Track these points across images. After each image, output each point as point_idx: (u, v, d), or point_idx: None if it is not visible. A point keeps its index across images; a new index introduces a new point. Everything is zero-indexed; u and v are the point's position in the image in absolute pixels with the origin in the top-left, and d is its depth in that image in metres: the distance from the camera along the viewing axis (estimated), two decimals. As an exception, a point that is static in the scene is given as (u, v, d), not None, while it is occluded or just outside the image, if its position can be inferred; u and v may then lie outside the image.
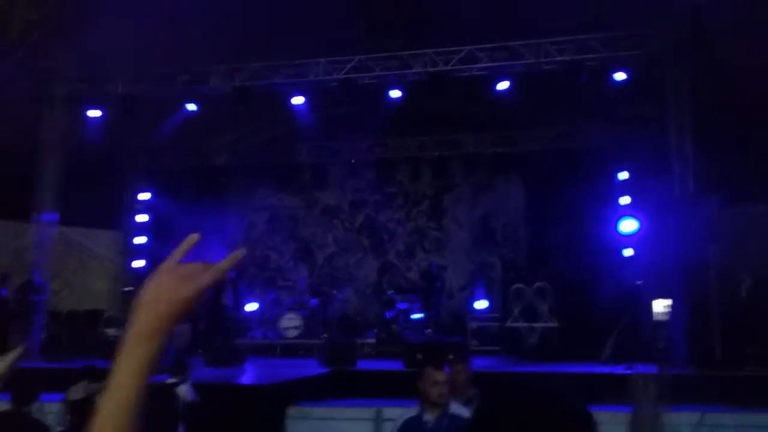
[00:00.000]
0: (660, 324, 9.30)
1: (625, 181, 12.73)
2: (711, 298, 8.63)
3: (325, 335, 11.89)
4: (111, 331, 12.13)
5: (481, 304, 13.26)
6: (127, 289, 13.62)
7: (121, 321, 12.74)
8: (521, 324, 10.76)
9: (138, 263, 14.09)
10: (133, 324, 1.09)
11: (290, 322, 12.11)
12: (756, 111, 9.44)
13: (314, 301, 12.73)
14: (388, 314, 12.32)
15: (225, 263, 1.16)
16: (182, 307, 1.11)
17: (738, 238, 10.07)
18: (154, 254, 13.99)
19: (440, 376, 4.30)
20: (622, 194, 12.61)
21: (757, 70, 8.83)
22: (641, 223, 11.24)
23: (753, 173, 9.76)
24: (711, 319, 8.54)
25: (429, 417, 4.23)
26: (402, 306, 12.37)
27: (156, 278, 1.12)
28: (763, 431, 6.80)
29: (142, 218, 14.53)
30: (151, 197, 14.63)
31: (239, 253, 1.19)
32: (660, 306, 9.47)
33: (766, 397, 7.29)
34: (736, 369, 8.16)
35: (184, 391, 6.80)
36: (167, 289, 1.11)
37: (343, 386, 8.52)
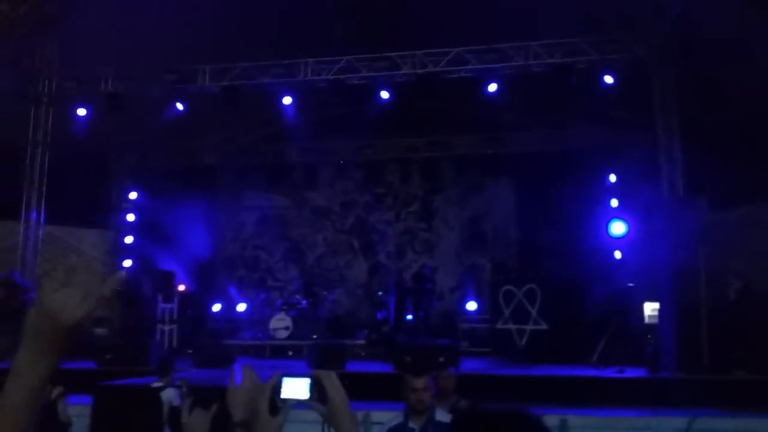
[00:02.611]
0: (650, 327, 9.30)
1: (614, 183, 12.74)
2: (700, 301, 8.62)
3: (315, 336, 11.85)
4: (99, 331, 12.05)
5: (471, 306, 13.25)
6: (116, 288, 13.51)
7: (109, 321, 12.66)
8: (511, 326, 10.75)
9: (126, 262, 13.99)
10: (22, 346, 1.08)
11: (280, 323, 12.04)
12: (743, 113, 9.45)
13: (304, 302, 12.68)
14: (379, 315, 12.28)
15: (105, 288, 1.15)
16: (67, 332, 1.09)
17: (726, 240, 10.08)
18: (142, 254, 13.90)
19: (419, 383, 4.23)
20: (612, 196, 12.62)
21: (743, 73, 8.85)
22: (630, 226, 11.25)
23: (741, 175, 9.77)
24: (700, 322, 8.54)
25: (414, 424, 4.18)
26: (392, 307, 12.33)
27: (40, 302, 1.10)
28: (751, 435, 6.79)
29: (130, 217, 14.43)
30: (139, 196, 14.52)
31: (120, 276, 1.17)
32: (650, 309, 9.47)
33: (754, 401, 7.30)
34: (725, 373, 8.16)
35: (170, 395, 6.74)
36: (52, 314, 1.08)
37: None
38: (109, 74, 11.93)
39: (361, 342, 12.11)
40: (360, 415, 7.30)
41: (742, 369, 8.20)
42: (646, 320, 9.43)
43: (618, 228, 11.48)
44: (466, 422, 1.34)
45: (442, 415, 4.22)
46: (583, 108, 12.04)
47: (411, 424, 4.19)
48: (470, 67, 11.19)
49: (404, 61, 11.34)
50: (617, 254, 12.00)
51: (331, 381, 1.75)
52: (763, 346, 8.12)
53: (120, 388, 7.91)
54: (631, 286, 10.59)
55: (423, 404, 4.26)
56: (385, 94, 11.51)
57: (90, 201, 13.45)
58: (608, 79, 10.59)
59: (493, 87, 11.12)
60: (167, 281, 12.51)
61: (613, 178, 12.74)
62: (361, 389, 8.20)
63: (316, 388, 1.73)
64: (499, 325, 10.88)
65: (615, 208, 12.41)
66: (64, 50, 11.87)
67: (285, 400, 1.70)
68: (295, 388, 1.78)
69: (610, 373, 8.72)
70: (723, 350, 8.40)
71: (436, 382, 5.28)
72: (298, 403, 1.77)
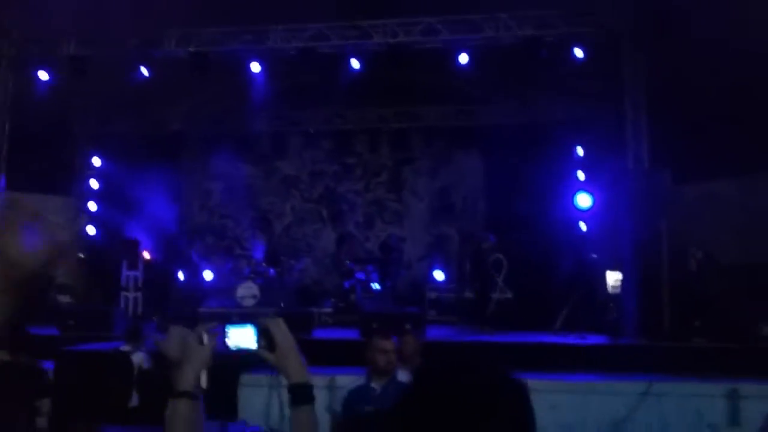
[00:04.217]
0: (612, 296, 9.50)
1: (581, 156, 12.88)
2: (661, 271, 8.82)
3: (282, 305, 11.85)
4: (62, 298, 11.92)
5: (438, 275, 13.37)
6: (79, 255, 13.34)
7: (73, 288, 12.51)
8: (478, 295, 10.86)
9: (90, 230, 13.78)
10: None
11: (247, 291, 12.00)
12: (711, 90, 9.59)
13: (272, 271, 12.65)
14: (347, 284, 12.33)
15: (65, 238, 1.14)
16: (27, 277, 1.08)
17: (689, 213, 10.30)
18: (107, 221, 13.71)
19: (388, 345, 4.35)
20: (579, 169, 12.76)
21: (712, 49, 8.95)
22: (596, 198, 11.41)
23: (706, 151, 9.95)
24: (660, 291, 8.74)
25: (376, 385, 4.26)
26: (360, 276, 12.38)
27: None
28: (707, 400, 7.01)
29: (94, 184, 14.17)
30: (103, 163, 14.26)
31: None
32: (612, 278, 9.66)
33: (710, 367, 7.53)
34: (684, 340, 8.39)
35: (140, 358, 6.72)
36: (12, 258, 1.07)
37: (298, 354, 8.48)
38: (72, 37, 11.61)
39: (329, 310, 12.17)
40: (325, 379, 7.35)
41: (701, 337, 8.44)
42: (609, 289, 9.63)
43: (584, 200, 11.64)
44: (426, 375, 1.34)
45: (404, 376, 4.31)
46: (552, 81, 12.10)
47: (373, 385, 4.27)
48: (441, 37, 11.14)
49: (375, 30, 11.23)
50: (583, 226, 12.18)
51: (278, 327, 1.76)
52: (721, 315, 8.36)
53: (86, 352, 7.84)
54: (595, 257, 10.78)
55: (392, 365, 4.36)
56: (355, 63, 11.40)
57: (52, 167, 13.17)
58: (578, 53, 10.63)
59: (463, 58, 11.10)
60: (131, 248, 12.36)
61: (580, 151, 12.88)
62: (327, 355, 8.29)
63: (263, 335, 1.74)
64: (466, 294, 11.00)
65: (581, 180, 12.56)
66: (25, 11, 11.51)
67: (215, 334, 1.72)
68: (242, 337, 1.78)
69: (573, 339, 8.91)
70: (682, 318, 8.62)
71: (400, 345, 5.37)
72: (246, 351, 1.77)
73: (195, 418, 1.67)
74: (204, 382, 1.69)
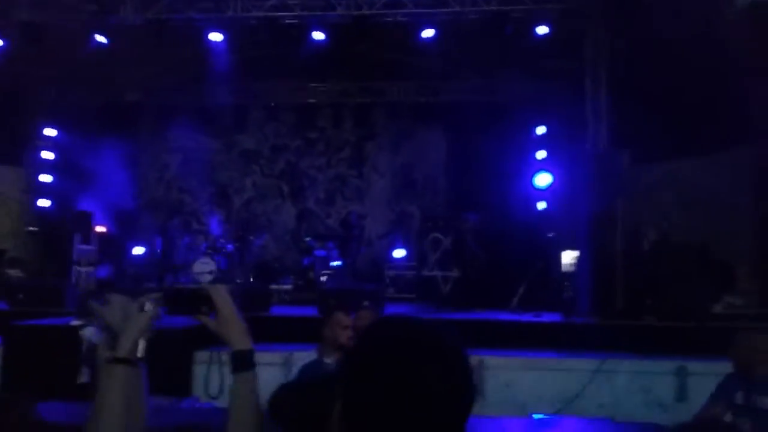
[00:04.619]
0: (567, 275, 9.61)
1: (542, 135, 12.95)
2: (615, 251, 8.95)
3: (240, 281, 11.74)
4: (13, 272, 11.63)
5: (399, 253, 13.38)
6: (31, 228, 13.01)
7: (23, 261, 12.21)
8: (437, 273, 10.90)
9: (43, 202, 13.42)
10: None
11: (204, 267, 11.84)
12: (672, 71, 9.68)
13: (230, 247, 12.50)
14: (306, 261, 12.25)
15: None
16: None
17: (645, 194, 10.46)
18: (61, 193, 13.36)
19: (349, 321, 4.42)
20: (539, 148, 12.84)
21: (674, 32, 9.02)
22: (555, 177, 11.50)
23: (665, 132, 10.07)
24: (614, 270, 8.87)
25: (329, 360, 4.27)
26: (320, 253, 12.31)
27: None
28: (656, 377, 7.17)
29: (47, 155, 13.76)
30: (57, 134, 13.85)
31: None
32: (568, 257, 9.78)
33: (661, 345, 7.71)
34: (636, 318, 8.54)
35: (90, 333, 6.59)
36: None
37: (254, 331, 8.41)
38: (24, 1, 11.18)
39: (288, 287, 12.09)
40: (282, 356, 7.33)
41: (652, 315, 8.60)
42: (565, 268, 9.75)
43: (543, 179, 11.72)
44: (368, 332, 1.36)
45: None
46: (516, 59, 12.08)
47: (327, 360, 4.26)
48: (406, 11, 11.03)
49: (339, 2, 11.06)
50: (541, 205, 12.28)
51: (219, 293, 1.76)
52: (672, 294, 8.53)
53: (35, 327, 7.67)
54: (552, 236, 10.89)
55: (352, 340, 4.38)
56: (318, 35, 11.23)
57: (4, 137, 12.77)
58: (542, 30, 10.63)
59: (428, 33, 11.01)
60: (85, 222, 12.06)
61: (541, 130, 12.94)
62: (285, 332, 8.26)
63: (205, 302, 1.74)
64: (425, 272, 11.02)
65: (541, 159, 12.63)
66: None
67: (156, 303, 1.71)
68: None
69: (528, 317, 9.01)
70: (635, 297, 8.78)
71: (356, 320, 5.35)
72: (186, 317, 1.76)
73: (133, 386, 1.62)
74: (142, 350, 1.65)
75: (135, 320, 1.67)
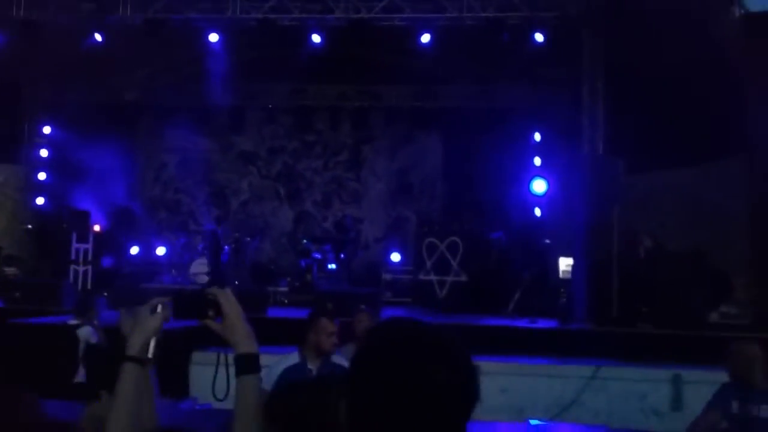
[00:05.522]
0: (563, 281, 9.64)
1: (538, 141, 12.98)
2: (611, 258, 8.98)
3: (237, 282, 11.73)
4: (9, 270, 11.61)
5: (395, 257, 13.39)
6: (28, 226, 12.97)
7: (20, 259, 12.17)
8: (432, 277, 10.92)
9: (39, 200, 13.37)
10: None
11: (201, 268, 11.87)
12: (667, 80, 9.74)
13: (227, 248, 12.49)
14: (303, 263, 12.25)
15: None
16: None
17: (642, 202, 10.50)
18: (58, 192, 13.31)
19: (334, 327, 4.36)
20: (536, 155, 12.86)
21: (670, 43, 9.07)
22: (550, 184, 11.53)
23: (659, 142, 10.13)
24: (610, 277, 8.90)
25: (312, 365, 4.24)
26: (316, 256, 12.31)
27: None
28: (651, 384, 7.20)
29: (43, 153, 13.71)
30: (54, 131, 13.79)
31: None
32: (564, 264, 9.81)
33: (656, 352, 7.73)
34: (631, 326, 8.57)
35: (87, 332, 6.58)
36: None
37: (251, 333, 8.42)
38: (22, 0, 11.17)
39: (284, 289, 12.09)
40: (279, 358, 7.31)
41: (647, 323, 8.64)
42: (561, 275, 9.79)
43: (539, 186, 11.74)
44: (374, 333, 1.37)
45: (339, 359, 4.30)
46: (513, 66, 12.13)
47: (309, 365, 4.25)
48: (404, 15, 11.08)
49: (337, 5, 11.09)
50: (537, 211, 12.31)
51: (226, 297, 1.78)
52: (668, 302, 8.57)
53: (31, 325, 7.66)
54: (548, 243, 10.92)
55: (336, 347, 4.36)
56: (316, 38, 11.26)
57: (1, 135, 12.74)
58: (539, 37, 10.69)
59: (426, 38, 11.06)
60: (82, 221, 12.04)
61: (537, 136, 12.96)
62: (281, 335, 8.23)
63: (211, 306, 1.76)
64: (421, 276, 11.04)
65: (538, 166, 12.67)
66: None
67: (167, 306, 1.74)
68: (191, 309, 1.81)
69: (524, 323, 9.03)
70: (630, 305, 8.81)
71: (354, 323, 5.35)
72: (192, 321, 1.78)
73: (143, 384, 1.68)
74: (152, 350, 1.70)
75: (146, 322, 1.70)
